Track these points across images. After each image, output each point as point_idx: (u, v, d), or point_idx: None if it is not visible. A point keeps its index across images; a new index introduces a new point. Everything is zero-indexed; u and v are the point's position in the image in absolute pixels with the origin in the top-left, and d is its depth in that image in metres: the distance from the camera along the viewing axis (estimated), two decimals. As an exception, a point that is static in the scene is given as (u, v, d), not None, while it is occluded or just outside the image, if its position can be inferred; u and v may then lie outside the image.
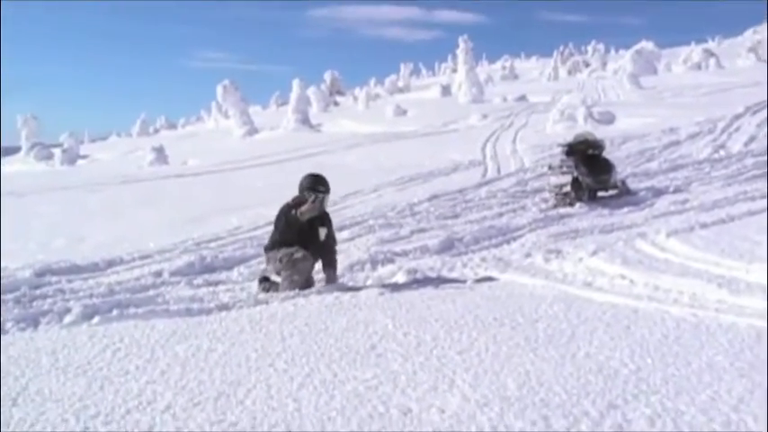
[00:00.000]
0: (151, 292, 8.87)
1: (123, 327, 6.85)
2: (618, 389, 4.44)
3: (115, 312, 7.64)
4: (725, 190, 13.68)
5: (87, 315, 7.62)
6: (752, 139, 20.86)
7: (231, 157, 32.66)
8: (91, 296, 8.64)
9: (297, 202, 8.48)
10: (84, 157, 56.88)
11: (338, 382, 4.86)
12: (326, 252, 8.70)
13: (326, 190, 8.59)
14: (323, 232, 8.61)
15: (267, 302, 7.78)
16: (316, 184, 8.54)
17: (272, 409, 4.47)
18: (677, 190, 14.17)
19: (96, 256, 11.19)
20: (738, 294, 6.59)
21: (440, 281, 8.41)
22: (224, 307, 7.83)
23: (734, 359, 4.89)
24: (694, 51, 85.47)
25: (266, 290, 8.56)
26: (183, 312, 7.60)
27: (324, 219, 8.69)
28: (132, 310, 7.72)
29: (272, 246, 8.56)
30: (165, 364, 5.49)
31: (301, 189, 8.57)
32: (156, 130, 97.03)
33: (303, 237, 8.43)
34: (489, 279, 8.34)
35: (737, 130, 22.94)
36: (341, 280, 8.92)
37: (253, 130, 50.56)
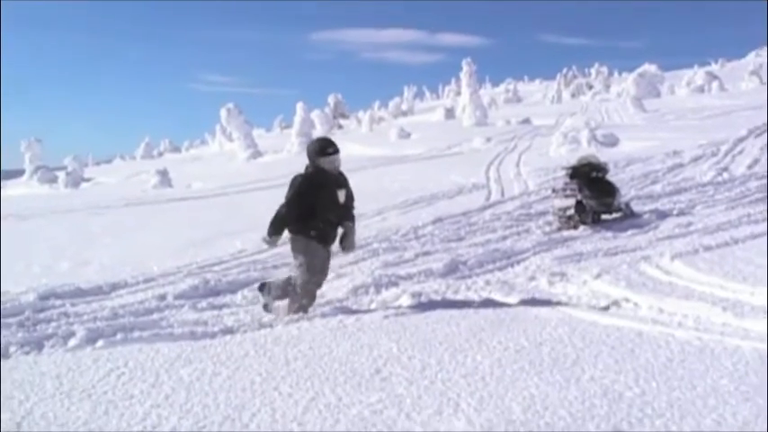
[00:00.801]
0: (155, 316, 8.86)
1: (128, 350, 6.86)
2: (623, 412, 4.43)
3: (119, 336, 7.65)
4: (728, 213, 13.66)
5: (91, 339, 7.62)
6: (755, 161, 20.85)
7: (235, 180, 32.76)
8: (95, 320, 8.64)
9: (311, 172, 8.28)
10: (87, 180, 57.03)
11: (343, 405, 4.86)
12: (346, 216, 8.51)
13: (336, 150, 8.32)
14: (342, 194, 8.40)
15: (272, 326, 7.78)
16: (326, 147, 8.29)
17: (276, 434, 4.47)
18: (681, 213, 14.16)
19: (100, 280, 11.21)
20: (743, 317, 6.59)
21: (444, 304, 8.39)
22: (228, 330, 7.82)
23: (739, 383, 4.88)
24: (697, 74, 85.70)
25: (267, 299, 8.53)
26: (188, 336, 7.60)
27: (340, 180, 8.47)
28: (137, 334, 7.73)
29: (298, 219, 8.17)
30: (170, 387, 5.49)
31: (311, 155, 8.31)
32: (161, 153, 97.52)
33: (324, 203, 8.22)
34: (494, 302, 8.34)
35: (741, 152, 22.94)
36: (345, 303, 8.92)
37: (257, 153, 50.81)
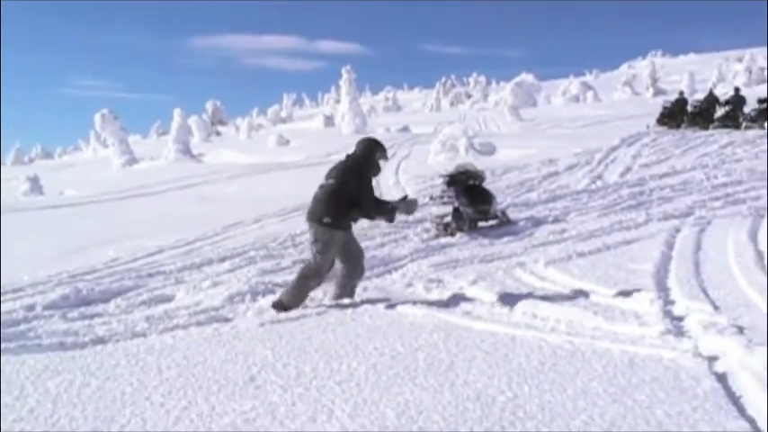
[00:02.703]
0: (23, 327, 8.55)
1: (-9, 363, 6.61)
2: (495, 416, 4.48)
3: (-17, 348, 7.37)
4: (601, 220, 13.98)
5: (-47, 351, 7.32)
6: (627, 170, 21.45)
7: (110, 187, 31.97)
8: (-43, 331, 8.30)
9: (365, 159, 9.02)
10: (-46, 187, 55.00)
11: (216, 414, 4.78)
12: None
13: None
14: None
15: (145, 335, 7.63)
16: (384, 152, 9.14)
17: (146, 445, 4.37)
18: (556, 220, 14.44)
19: (-36, 290, 10.78)
20: (613, 321, 6.76)
21: (321, 311, 8.36)
22: (99, 340, 7.62)
23: (607, 385, 4.99)
24: (573, 84, 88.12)
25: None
26: (56, 347, 7.37)
27: None
28: (3, 346, 7.45)
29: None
30: (35, 400, 5.31)
31: (374, 150, 9.05)
32: (32, 160, 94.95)
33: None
34: (370, 309, 8.34)
35: (613, 161, 23.55)
36: (221, 311, 8.80)
37: (132, 160, 49.78)
